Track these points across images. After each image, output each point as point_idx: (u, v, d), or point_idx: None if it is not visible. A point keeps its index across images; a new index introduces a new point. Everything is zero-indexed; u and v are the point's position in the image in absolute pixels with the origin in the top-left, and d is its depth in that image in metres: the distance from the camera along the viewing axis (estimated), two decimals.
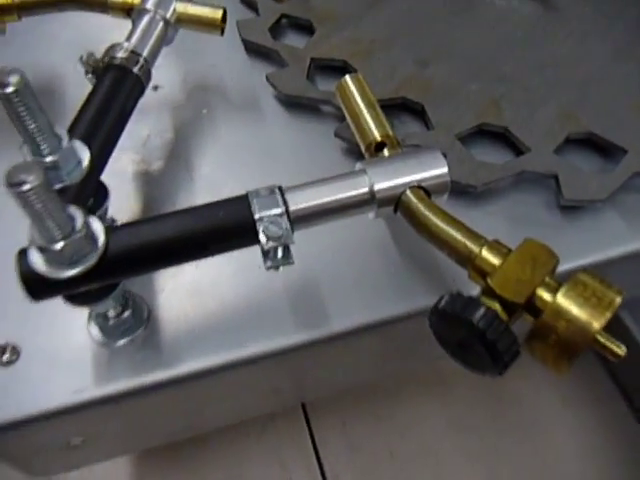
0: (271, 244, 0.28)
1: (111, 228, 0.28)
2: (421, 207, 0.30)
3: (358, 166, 0.31)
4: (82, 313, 0.33)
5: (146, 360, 0.32)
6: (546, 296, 0.26)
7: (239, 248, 0.29)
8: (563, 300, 0.25)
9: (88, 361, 0.32)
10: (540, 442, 0.50)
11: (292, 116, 0.44)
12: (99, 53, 0.37)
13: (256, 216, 0.28)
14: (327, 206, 0.30)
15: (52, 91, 0.45)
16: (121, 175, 0.40)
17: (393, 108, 0.42)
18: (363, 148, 0.34)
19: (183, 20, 0.41)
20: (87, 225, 0.26)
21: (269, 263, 0.29)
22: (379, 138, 0.33)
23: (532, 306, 0.26)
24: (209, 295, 0.35)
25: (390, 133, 0.33)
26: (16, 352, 0.32)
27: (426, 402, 0.52)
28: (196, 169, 0.41)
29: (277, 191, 0.29)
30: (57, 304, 0.33)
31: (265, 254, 0.29)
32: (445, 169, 0.31)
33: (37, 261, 0.26)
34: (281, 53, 0.46)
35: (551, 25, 0.48)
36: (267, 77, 0.44)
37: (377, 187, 0.30)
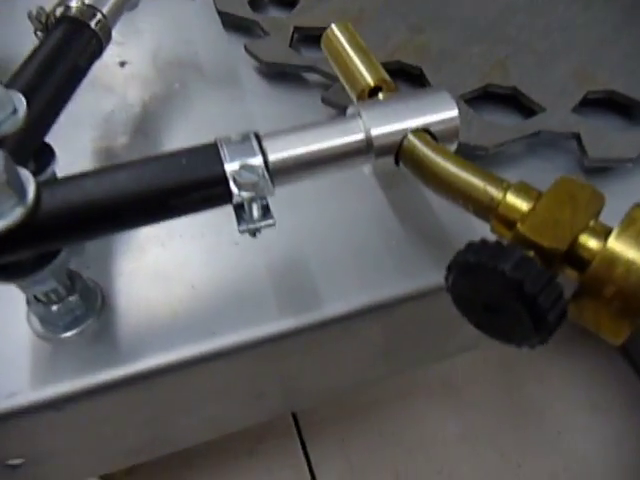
0: (244, 194, 0.23)
1: (46, 182, 0.23)
2: (428, 151, 0.24)
3: (350, 110, 0.26)
4: (19, 300, 0.28)
5: (98, 356, 0.26)
6: (593, 242, 0.20)
7: (207, 207, 0.24)
8: (617, 244, 0.19)
9: (25, 358, 0.26)
10: (568, 456, 0.44)
11: (274, 88, 0.39)
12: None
13: (226, 166, 0.23)
14: (314, 156, 0.25)
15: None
16: (76, 151, 0.35)
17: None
18: (354, 98, 0.29)
19: None
20: (12, 172, 0.21)
21: (243, 225, 0.24)
22: (373, 83, 0.28)
23: (575, 256, 0.20)
24: (176, 279, 0.29)
25: (386, 78, 0.28)
26: None
27: (435, 414, 0.45)
28: (165, 145, 0.36)
29: (252, 137, 0.24)
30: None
31: (238, 211, 0.24)
32: (455, 111, 0.26)
33: None
34: (262, 24, 0.41)
35: None
36: (246, 47, 0.40)
37: (374, 132, 0.25)
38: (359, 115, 0.25)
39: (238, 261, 0.29)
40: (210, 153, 0.23)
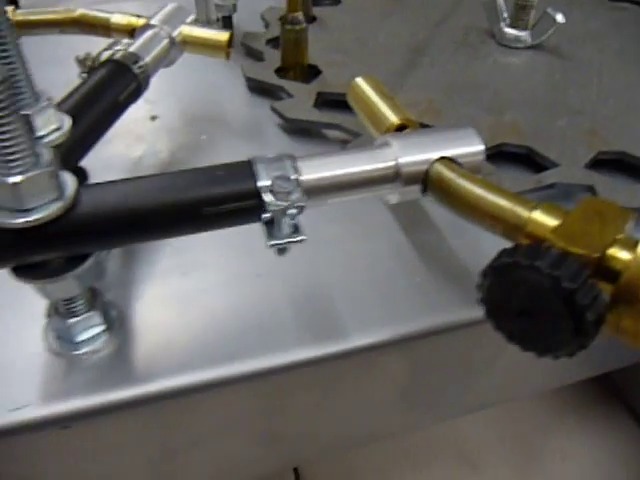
0: (278, 204, 0.23)
1: (86, 185, 0.23)
2: (455, 176, 0.25)
3: (379, 140, 0.27)
4: (36, 315, 0.27)
5: (112, 375, 0.25)
6: (624, 253, 0.20)
7: (239, 220, 0.24)
8: None
9: (37, 373, 0.25)
10: None
11: (297, 142, 0.41)
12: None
13: (260, 180, 0.24)
14: (344, 179, 0.26)
15: None
16: None
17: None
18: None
19: (189, 42, 0.40)
20: (56, 167, 0.22)
21: (273, 239, 0.24)
22: (399, 121, 0.29)
23: (607, 268, 0.20)
24: (196, 305, 0.29)
25: (411, 117, 0.30)
26: None
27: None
28: None
29: (286, 158, 0.25)
30: (12, 298, 0.27)
31: (268, 226, 0.24)
32: (481, 146, 0.27)
33: None
34: (287, 88, 0.44)
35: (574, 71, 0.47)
36: (272, 107, 0.42)
37: (403, 160, 0.26)
38: (388, 144, 0.26)
39: (260, 291, 0.29)
40: (245, 168, 0.24)
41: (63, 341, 0.26)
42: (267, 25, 0.54)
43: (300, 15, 0.45)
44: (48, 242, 0.22)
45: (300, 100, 0.43)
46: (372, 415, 0.31)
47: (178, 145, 0.41)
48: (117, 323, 0.27)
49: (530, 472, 0.44)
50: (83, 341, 0.26)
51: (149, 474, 0.28)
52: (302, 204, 0.23)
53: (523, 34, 0.51)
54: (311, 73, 0.47)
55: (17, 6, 0.44)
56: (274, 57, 0.48)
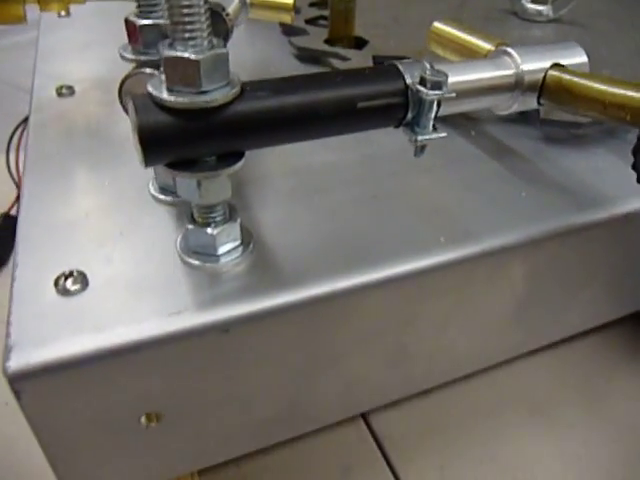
0: (434, 93, 0.24)
1: (247, 82, 0.23)
2: (575, 78, 0.27)
3: (496, 52, 0.29)
4: (170, 229, 0.27)
5: (259, 282, 0.25)
6: None
7: (387, 117, 0.25)
8: None
9: (179, 284, 0.25)
10: None
11: None
12: None
13: (408, 80, 0.25)
14: (475, 84, 0.27)
15: None
16: None
17: None
18: None
19: (257, 3, 0.41)
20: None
21: (419, 135, 0.25)
22: (495, 46, 0.31)
23: None
24: (327, 220, 0.28)
25: (506, 41, 0.31)
26: (84, 280, 0.24)
27: (528, 435, 0.43)
28: None
29: (426, 62, 0.26)
30: (141, 219, 0.27)
31: (412, 123, 0.25)
32: (585, 57, 0.29)
33: (159, 86, 0.21)
34: (342, 54, 0.45)
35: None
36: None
37: (525, 67, 0.28)
38: (509, 54, 0.28)
39: (388, 209, 0.30)
40: (392, 69, 0.25)
41: (202, 254, 0.26)
42: (298, 11, 0.56)
43: None
44: (215, 129, 0.22)
45: (358, 62, 0.44)
46: (488, 332, 0.32)
47: None
48: (252, 239, 0.27)
49: (595, 412, 0.45)
50: (223, 254, 0.26)
51: (289, 384, 0.27)
52: (453, 95, 0.24)
53: (544, 8, 0.55)
54: (357, 44, 0.49)
55: None
56: (317, 32, 0.50)
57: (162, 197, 0.30)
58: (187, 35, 0.20)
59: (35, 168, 0.32)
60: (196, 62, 0.20)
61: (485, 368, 0.44)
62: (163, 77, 0.21)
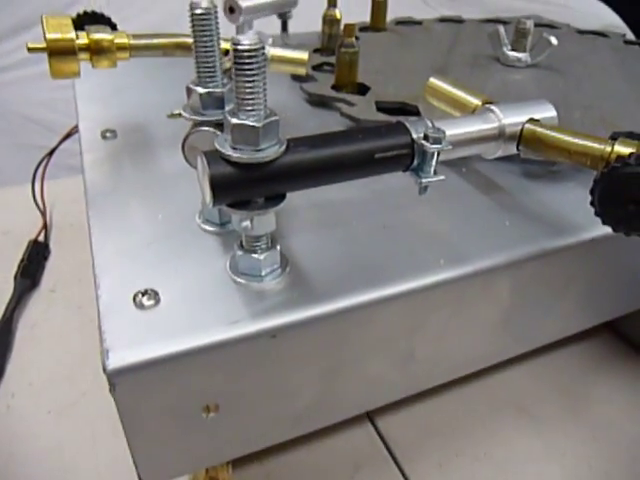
0: (434, 147, 0.30)
1: (288, 139, 0.30)
2: (546, 131, 0.34)
3: (480, 110, 0.36)
4: (218, 255, 0.33)
5: (298, 298, 0.31)
6: None
7: (398, 164, 0.31)
8: None
9: (235, 299, 0.30)
10: None
11: None
12: None
13: (414, 135, 0.31)
14: (466, 136, 0.33)
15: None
16: None
17: None
18: None
19: (275, 59, 0.47)
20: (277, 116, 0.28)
21: (423, 179, 0.31)
22: (481, 101, 0.38)
23: None
24: (346, 245, 0.35)
25: (489, 99, 0.38)
26: (157, 296, 0.30)
27: (517, 435, 0.50)
28: None
29: (427, 120, 0.33)
30: (193, 247, 0.33)
31: (417, 169, 0.31)
32: (554, 112, 0.36)
33: (224, 144, 0.27)
34: (348, 99, 0.52)
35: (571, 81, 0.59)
36: (341, 113, 0.50)
37: (505, 122, 0.34)
38: (492, 111, 0.35)
39: (393, 235, 0.36)
40: (400, 126, 0.32)
41: (248, 275, 0.32)
42: None
43: (354, 40, 0.53)
44: (268, 178, 0.28)
45: (363, 107, 0.51)
46: (479, 338, 0.38)
47: None
48: (287, 262, 0.33)
49: (577, 413, 0.51)
50: (266, 274, 0.32)
51: (319, 381, 0.33)
52: (450, 147, 0.31)
53: (523, 55, 0.62)
54: (360, 90, 0.56)
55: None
56: (324, 78, 0.57)
57: (208, 227, 0.36)
58: (249, 108, 0.27)
59: (96, 204, 0.38)
60: (257, 128, 0.26)
61: (478, 375, 0.51)
62: (227, 136, 0.27)
